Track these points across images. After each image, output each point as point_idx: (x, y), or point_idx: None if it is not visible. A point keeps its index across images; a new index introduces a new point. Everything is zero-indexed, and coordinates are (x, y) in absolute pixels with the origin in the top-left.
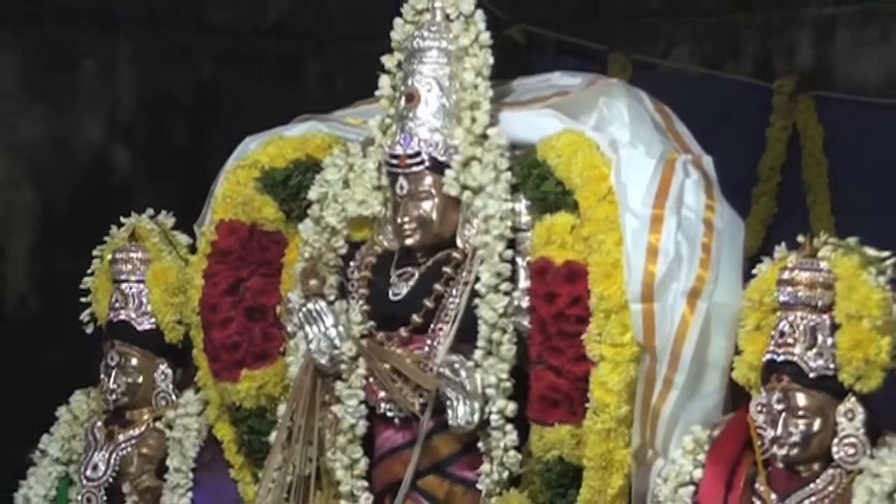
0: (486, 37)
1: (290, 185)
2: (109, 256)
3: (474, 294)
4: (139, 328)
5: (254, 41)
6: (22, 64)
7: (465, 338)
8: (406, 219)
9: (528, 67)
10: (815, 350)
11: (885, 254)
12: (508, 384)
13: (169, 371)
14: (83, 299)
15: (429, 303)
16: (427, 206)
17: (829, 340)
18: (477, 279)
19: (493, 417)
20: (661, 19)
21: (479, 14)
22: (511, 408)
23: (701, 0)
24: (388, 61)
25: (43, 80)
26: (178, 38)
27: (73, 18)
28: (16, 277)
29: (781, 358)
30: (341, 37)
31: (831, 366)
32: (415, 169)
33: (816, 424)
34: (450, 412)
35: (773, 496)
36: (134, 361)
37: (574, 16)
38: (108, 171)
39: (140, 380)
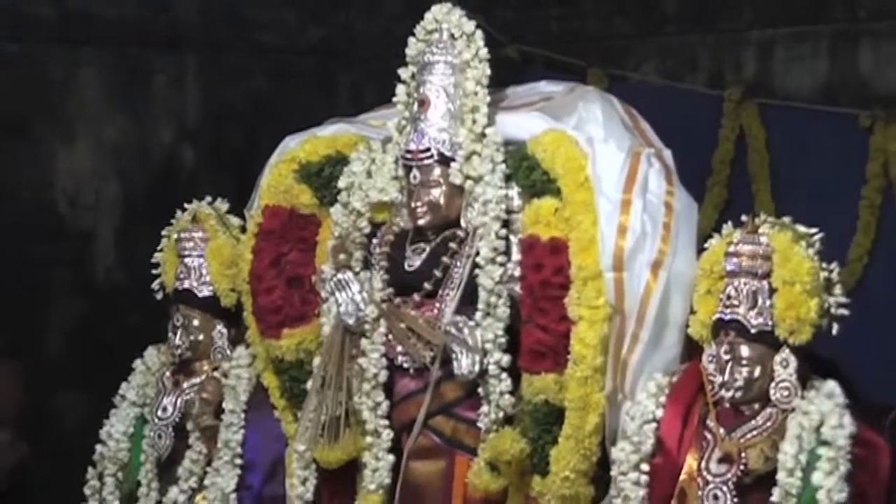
0: (484, 52)
1: (323, 176)
2: (175, 236)
3: (475, 265)
4: (200, 295)
5: (297, 60)
6: (107, 79)
7: (468, 301)
8: (419, 203)
9: (521, 80)
10: (756, 310)
11: (814, 230)
12: (503, 340)
13: (224, 330)
14: (154, 271)
15: (438, 273)
16: (436, 192)
17: (768, 302)
18: (477, 253)
19: (491, 367)
20: (631, 40)
21: (479, 33)
22: (506, 359)
23: (663, 25)
24: (404, 73)
25: (124, 92)
26: (234, 58)
27: (148, 41)
28: (103, 254)
29: (728, 317)
30: (368, 56)
31: (769, 323)
32: (426, 162)
33: (757, 371)
34: (455, 363)
35: (721, 430)
36: (196, 322)
37: (559, 37)
38: (176, 168)
39: (201, 337)
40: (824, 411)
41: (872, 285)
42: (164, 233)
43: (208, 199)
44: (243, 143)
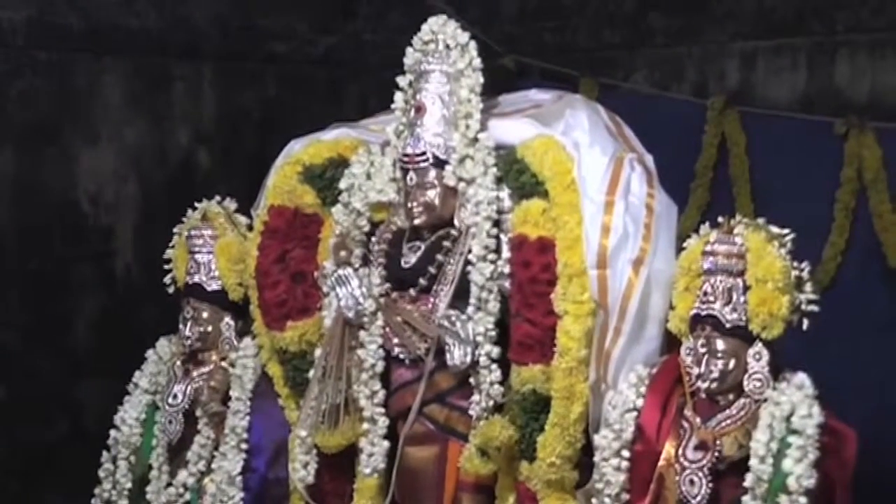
0: (477, 62)
1: (325, 178)
2: (186, 233)
3: (467, 262)
4: (209, 289)
5: (307, 69)
6: (128, 85)
7: (461, 296)
8: (415, 203)
9: (517, 88)
10: (730, 306)
11: (786, 231)
12: (494, 333)
13: (232, 322)
14: (166, 266)
15: (432, 269)
16: (431, 194)
17: (742, 298)
18: (470, 251)
19: (482, 359)
20: (621, 52)
21: (472, 44)
22: (496, 351)
23: (652, 37)
24: (402, 81)
25: (144, 98)
26: (248, 66)
27: (167, 50)
28: (123, 251)
29: (705, 312)
30: (373, 66)
31: (743, 318)
32: (422, 165)
33: (731, 364)
34: (448, 354)
35: (698, 420)
36: (205, 315)
37: (554, 48)
38: (192, 170)
39: (209, 329)
40: (795, 402)
41: (846, 283)
42: (175, 230)
43: (217, 198)
44: (255, 147)
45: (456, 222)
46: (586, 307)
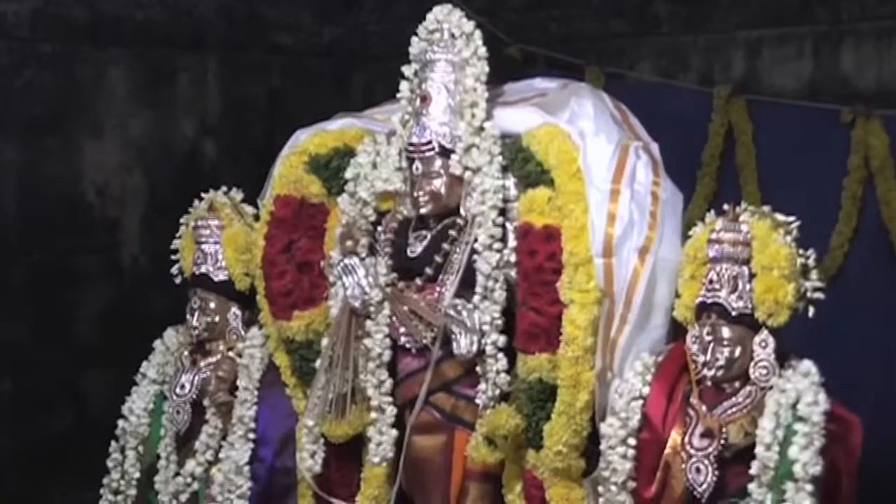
0: (482, 51)
1: (331, 167)
2: (193, 223)
3: (473, 251)
4: (216, 279)
5: (312, 59)
6: (134, 77)
7: (467, 286)
8: (421, 193)
9: (523, 77)
10: (736, 294)
11: (791, 218)
12: (500, 321)
13: (239, 312)
14: (173, 257)
15: (438, 258)
16: (437, 183)
17: (748, 286)
18: (475, 240)
19: (488, 348)
20: (627, 41)
21: (478, 33)
22: (502, 340)
23: (658, 26)
24: (407, 70)
25: (149, 90)
26: (253, 57)
27: (172, 42)
28: (129, 242)
29: (710, 300)
30: (380, 56)
31: (749, 306)
32: (427, 154)
33: (737, 351)
34: (454, 343)
35: (704, 407)
36: (212, 305)
37: (560, 38)
38: (198, 161)
39: (217, 319)
40: (800, 389)
41: (853, 271)
42: (181, 221)
43: (224, 188)
44: (261, 138)
45: (462, 211)
46: (592, 296)
